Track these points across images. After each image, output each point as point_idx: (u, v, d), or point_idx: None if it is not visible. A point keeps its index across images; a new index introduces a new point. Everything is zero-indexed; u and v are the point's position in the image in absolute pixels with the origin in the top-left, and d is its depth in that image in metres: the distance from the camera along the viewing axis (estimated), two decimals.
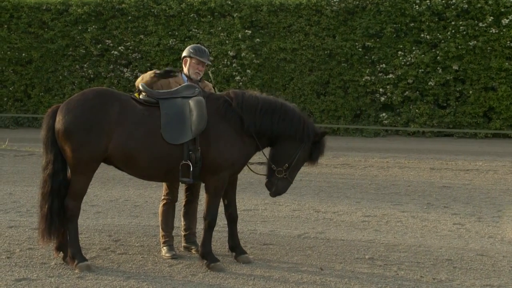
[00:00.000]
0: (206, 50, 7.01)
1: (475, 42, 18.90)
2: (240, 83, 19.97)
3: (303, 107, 20.03)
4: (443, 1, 19.16)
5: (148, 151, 6.17)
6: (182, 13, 20.61)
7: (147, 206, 9.30)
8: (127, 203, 9.54)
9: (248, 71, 20.06)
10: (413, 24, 19.40)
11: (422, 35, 19.31)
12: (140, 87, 6.49)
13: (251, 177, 10.82)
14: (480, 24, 18.94)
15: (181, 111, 6.27)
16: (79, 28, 21.03)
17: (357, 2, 19.68)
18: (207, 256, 6.35)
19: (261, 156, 6.85)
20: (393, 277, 6.19)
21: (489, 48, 18.92)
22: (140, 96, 6.45)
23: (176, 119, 6.24)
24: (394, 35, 19.55)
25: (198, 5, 20.46)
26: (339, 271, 6.36)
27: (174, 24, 20.65)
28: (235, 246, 6.68)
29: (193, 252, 6.89)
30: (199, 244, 6.53)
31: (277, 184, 6.52)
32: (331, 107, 19.92)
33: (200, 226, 7.03)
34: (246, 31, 20.08)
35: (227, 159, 6.26)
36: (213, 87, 7.24)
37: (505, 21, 18.77)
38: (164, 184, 6.90)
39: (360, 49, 19.69)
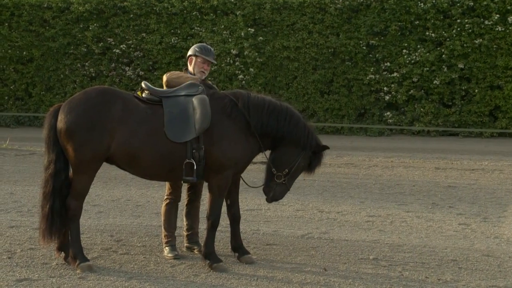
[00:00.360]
0: (212, 49, 7.03)
1: (481, 40, 18.87)
2: (243, 82, 19.97)
3: (307, 106, 20.04)
4: None
5: (151, 150, 6.17)
6: (185, 11, 20.62)
7: (149, 206, 9.31)
8: (129, 202, 9.55)
9: (251, 69, 20.05)
10: (418, 22, 19.37)
11: (427, 33, 19.29)
12: (143, 85, 6.50)
13: (254, 176, 10.82)
14: (486, 22, 18.91)
15: (184, 109, 6.28)
16: (81, 26, 21.05)
17: (361, 0, 19.66)
18: (210, 256, 6.36)
19: (263, 156, 6.86)
20: (397, 277, 6.19)
21: (495, 46, 18.89)
22: (143, 95, 6.45)
23: (179, 117, 6.25)
24: (399, 33, 19.53)
25: (200, 3, 20.46)
26: (343, 271, 6.36)
27: (176, 22, 20.66)
28: (238, 246, 6.68)
29: (196, 252, 6.90)
30: (202, 244, 6.53)
31: (275, 189, 6.56)
32: (335, 106, 19.91)
33: (202, 226, 7.04)
34: (249, 29, 20.08)
35: (230, 158, 6.27)
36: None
37: (511, 18, 18.73)
38: (167, 184, 6.91)
39: (364, 48, 19.68)
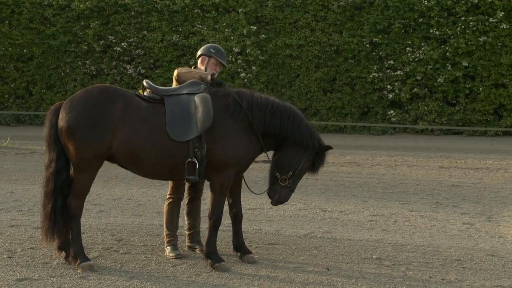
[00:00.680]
0: (224, 52, 7.09)
1: (485, 37, 18.86)
2: (245, 80, 19.98)
3: (309, 104, 20.04)
4: None
5: (153, 149, 6.18)
6: (186, 9, 20.63)
7: (151, 205, 9.32)
8: (130, 202, 9.56)
9: (253, 67, 20.05)
10: (421, 19, 19.36)
11: (431, 30, 19.28)
12: (145, 84, 6.51)
13: (257, 175, 10.83)
14: (491, 20, 18.90)
15: (186, 108, 6.28)
16: (82, 24, 21.07)
17: None
18: (212, 256, 6.36)
19: (265, 155, 6.86)
20: (401, 277, 6.19)
21: (499, 44, 18.87)
22: (145, 93, 6.46)
23: (181, 115, 6.25)
24: (403, 31, 19.52)
25: (202, 1, 20.47)
26: (346, 271, 6.36)
27: (178, 20, 20.67)
28: (240, 245, 6.69)
29: (197, 251, 6.90)
30: (204, 244, 6.53)
31: (280, 192, 6.57)
32: (338, 104, 19.90)
33: (204, 225, 7.04)
34: (251, 27, 20.08)
35: (233, 156, 6.27)
36: None
37: None
38: (170, 183, 6.90)
39: (367, 45, 19.67)
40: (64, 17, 21.15)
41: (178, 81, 6.73)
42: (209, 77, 6.56)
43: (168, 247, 6.77)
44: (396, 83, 19.48)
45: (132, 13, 20.87)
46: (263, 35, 20.09)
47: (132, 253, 6.83)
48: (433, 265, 6.59)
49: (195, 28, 20.59)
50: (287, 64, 20.08)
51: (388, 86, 19.55)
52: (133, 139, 6.13)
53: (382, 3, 19.59)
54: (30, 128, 20.40)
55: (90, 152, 6.09)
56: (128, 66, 21.01)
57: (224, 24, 20.34)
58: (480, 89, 19.04)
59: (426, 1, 19.25)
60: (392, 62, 19.52)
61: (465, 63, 19.03)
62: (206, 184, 6.69)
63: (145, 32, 20.79)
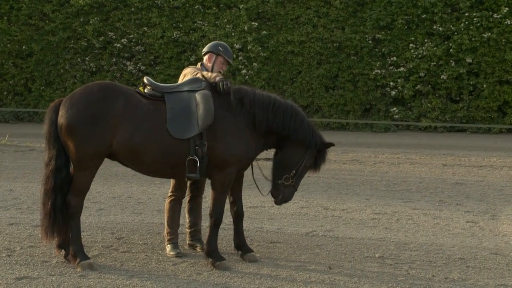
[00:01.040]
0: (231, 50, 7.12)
1: (490, 34, 18.83)
2: (246, 77, 19.96)
3: (311, 102, 20.03)
4: None
5: (154, 146, 6.18)
6: (187, 4, 20.62)
7: (151, 203, 9.33)
8: (130, 199, 9.57)
9: (255, 64, 20.05)
10: (425, 15, 19.34)
11: (434, 26, 19.25)
12: (145, 80, 6.51)
13: (258, 173, 10.82)
14: (495, 15, 18.87)
15: (187, 105, 6.29)
16: (81, 20, 21.06)
17: None
18: (213, 254, 6.37)
19: (267, 152, 6.87)
20: (404, 276, 6.19)
21: (504, 40, 18.84)
22: (145, 90, 6.46)
23: (182, 113, 6.25)
24: (406, 27, 19.50)
25: None
26: (348, 270, 6.37)
27: (178, 16, 20.66)
28: (241, 244, 6.69)
29: (198, 250, 6.91)
30: (204, 242, 6.54)
31: (284, 191, 6.59)
32: (340, 101, 19.90)
33: (205, 223, 7.04)
34: (253, 23, 20.07)
35: (234, 154, 6.28)
36: None
37: None
38: (172, 180, 6.90)
39: (370, 42, 19.65)
40: (63, 13, 21.14)
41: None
42: (221, 85, 6.45)
43: (168, 245, 6.78)
44: (399, 80, 19.46)
45: (132, 9, 20.86)
46: (264, 31, 20.07)
47: (132, 252, 6.83)
48: (436, 264, 6.59)
49: (195, 24, 20.58)
50: (288, 61, 20.06)
51: (391, 83, 19.53)
52: (134, 136, 6.13)
53: None
54: (29, 125, 20.41)
55: (90, 149, 6.09)
56: (128, 63, 21.01)
57: (225, 20, 20.32)
58: (484, 86, 19.02)
59: None
60: (395, 58, 19.50)
61: (469, 60, 19.01)
62: (207, 181, 6.70)
63: (145, 28, 20.78)
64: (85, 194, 6.31)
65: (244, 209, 6.91)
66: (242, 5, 20.16)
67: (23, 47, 21.27)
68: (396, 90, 19.52)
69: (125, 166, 6.49)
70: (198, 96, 6.32)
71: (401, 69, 19.43)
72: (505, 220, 8.61)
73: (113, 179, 11.09)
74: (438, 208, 9.25)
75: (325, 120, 19.78)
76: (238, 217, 6.71)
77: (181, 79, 6.82)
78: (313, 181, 10.99)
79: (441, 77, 19.16)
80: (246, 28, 20.03)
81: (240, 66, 20.11)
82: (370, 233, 7.79)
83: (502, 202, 9.72)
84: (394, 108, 19.58)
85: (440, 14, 19.16)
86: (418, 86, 19.38)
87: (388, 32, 19.59)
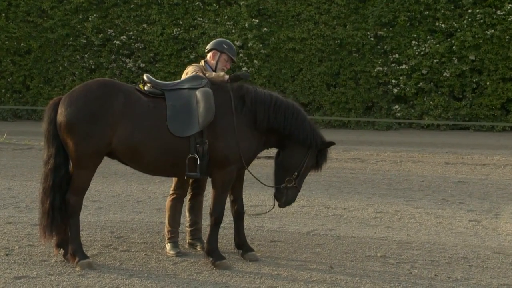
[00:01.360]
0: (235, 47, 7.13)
1: (493, 30, 18.82)
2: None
3: (313, 99, 20.03)
4: None
5: (154, 145, 6.18)
6: (187, 1, 20.62)
7: (150, 202, 9.33)
8: (130, 198, 9.57)
9: (255, 61, 20.04)
10: (427, 12, 19.33)
11: (437, 23, 19.25)
12: (145, 78, 6.51)
13: (259, 172, 10.80)
14: (498, 12, 18.87)
15: (187, 103, 6.29)
16: (80, 16, 21.06)
17: None
18: (213, 253, 6.37)
19: (268, 151, 6.87)
20: (406, 275, 6.20)
21: (507, 37, 18.84)
22: (145, 88, 6.46)
23: (182, 110, 6.25)
24: (408, 24, 19.49)
25: None
26: (350, 269, 6.37)
27: (178, 13, 20.65)
28: (241, 243, 6.70)
29: (198, 249, 6.91)
30: (205, 241, 6.54)
31: (287, 193, 6.60)
32: (342, 99, 19.90)
33: (205, 222, 7.05)
34: (253, 20, 20.06)
35: (235, 152, 6.28)
36: None
37: None
38: (174, 178, 6.89)
39: (372, 39, 19.65)
40: (62, 10, 21.14)
41: None
42: (242, 75, 6.58)
43: (168, 243, 6.77)
44: (401, 78, 19.46)
45: (132, 6, 20.86)
46: (265, 28, 20.07)
47: (132, 251, 6.84)
48: (439, 263, 6.60)
49: (196, 21, 20.57)
50: (289, 58, 20.06)
51: (393, 81, 19.53)
52: (134, 134, 6.14)
53: None
54: (27, 123, 20.42)
55: (90, 147, 6.09)
56: (127, 60, 21.01)
57: (226, 17, 20.32)
58: (487, 83, 19.01)
59: None
60: (397, 56, 19.50)
61: (472, 57, 19.00)
62: (209, 180, 6.69)
63: (144, 25, 20.78)
64: (84, 193, 6.31)
65: (245, 208, 6.91)
66: (243, 2, 20.15)
67: (21, 44, 21.27)
68: (398, 88, 19.52)
69: (125, 165, 6.49)
70: (198, 93, 6.32)
71: (403, 66, 19.42)
72: (509, 219, 8.61)
73: (112, 177, 11.10)
74: (440, 207, 9.25)
75: (327, 118, 19.78)
76: (238, 215, 6.71)
77: (183, 78, 6.82)
78: (315, 180, 10.99)
79: (444, 75, 19.15)
80: (246, 25, 20.03)
81: (240, 64, 20.10)
82: (372, 232, 7.79)
83: (505, 201, 9.72)
84: (396, 106, 19.58)
85: (442, 11, 19.15)
86: (421, 83, 19.38)
87: (390, 29, 19.58)
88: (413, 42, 19.36)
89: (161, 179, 10.38)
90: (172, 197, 6.88)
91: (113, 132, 6.11)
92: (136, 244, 7.12)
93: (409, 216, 8.68)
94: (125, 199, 9.50)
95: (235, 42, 19.94)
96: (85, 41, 21.07)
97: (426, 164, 13.20)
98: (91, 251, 6.71)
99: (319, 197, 9.83)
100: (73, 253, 6.22)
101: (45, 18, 21.24)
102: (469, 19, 18.99)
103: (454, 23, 19.12)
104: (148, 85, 6.47)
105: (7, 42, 21.29)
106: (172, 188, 6.92)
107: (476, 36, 18.89)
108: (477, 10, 18.96)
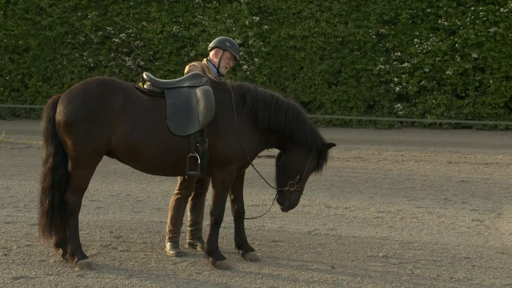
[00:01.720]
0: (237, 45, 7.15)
1: (496, 28, 18.82)
2: (248, 72, 19.97)
3: (314, 98, 20.04)
4: None
5: (153, 143, 6.18)
6: None
7: (150, 201, 9.34)
8: (129, 198, 9.58)
9: (256, 59, 20.05)
10: (430, 9, 19.33)
11: (439, 21, 19.24)
12: (145, 76, 6.51)
13: (259, 171, 10.82)
14: (501, 10, 18.86)
15: (187, 101, 6.28)
16: (79, 14, 21.07)
17: None
18: (213, 253, 6.37)
19: (269, 150, 6.88)
20: (408, 275, 6.20)
21: (510, 35, 18.84)
22: (145, 86, 6.46)
23: (182, 109, 6.25)
24: (410, 22, 19.49)
25: None
26: (352, 269, 6.37)
27: (178, 10, 20.65)
28: (242, 243, 6.70)
29: (198, 249, 6.91)
30: (205, 241, 6.54)
31: (290, 198, 6.61)
32: (343, 97, 19.90)
33: (205, 222, 7.05)
34: (254, 17, 20.07)
35: (235, 151, 6.28)
36: None
37: None
38: (179, 178, 6.88)
39: (373, 37, 19.65)
40: (60, 7, 21.15)
41: None
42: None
43: (169, 243, 6.77)
44: (403, 76, 19.46)
45: (131, 3, 20.86)
46: (266, 26, 20.07)
47: (131, 251, 6.84)
48: (441, 263, 6.60)
49: (195, 18, 20.57)
50: (290, 56, 20.06)
51: (395, 79, 19.53)
52: (133, 133, 6.14)
53: None
54: (26, 122, 20.43)
55: (89, 146, 6.09)
56: (127, 58, 21.02)
57: (226, 14, 20.32)
58: (490, 81, 19.01)
59: None
60: (399, 54, 19.50)
61: (474, 55, 19.00)
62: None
63: (144, 23, 20.78)
64: (84, 192, 6.31)
65: (245, 208, 6.91)
66: None
67: (20, 42, 21.28)
68: (400, 86, 19.52)
69: (124, 164, 6.50)
70: (199, 92, 6.32)
71: (406, 64, 19.43)
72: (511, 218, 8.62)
73: (111, 176, 11.10)
74: (443, 207, 9.25)
75: (328, 117, 19.78)
76: (239, 215, 6.71)
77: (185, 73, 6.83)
78: (316, 179, 10.98)
79: (446, 73, 19.15)
80: (247, 22, 20.03)
81: (241, 62, 20.11)
82: (374, 232, 7.80)
83: (508, 200, 9.72)
84: (398, 105, 19.59)
85: (445, 8, 19.15)
86: (423, 82, 19.38)
87: (392, 26, 19.58)
88: (415, 40, 19.36)
89: (161, 179, 10.39)
90: (176, 197, 6.87)
91: (112, 131, 6.11)
92: (135, 244, 7.12)
93: (411, 215, 8.68)
94: (125, 199, 9.50)
95: (236, 40, 19.94)
96: (84, 39, 21.08)
97: (429, 163, 13.20)
98: (90, 251, 6.72)
99: (321, 196, 9.83)
100: (72, 253, 6.22)
101: (44, 16, 21.25)
102: (472, 17, 18.99)
103: (456, 20, 19.12)
104: (148, 83, 6.47)
105: (5, 40, 21.30)
106: (177, 188, 6.91)
107: (479, 34, 18.89)
108: (480, 8, 18.96)
